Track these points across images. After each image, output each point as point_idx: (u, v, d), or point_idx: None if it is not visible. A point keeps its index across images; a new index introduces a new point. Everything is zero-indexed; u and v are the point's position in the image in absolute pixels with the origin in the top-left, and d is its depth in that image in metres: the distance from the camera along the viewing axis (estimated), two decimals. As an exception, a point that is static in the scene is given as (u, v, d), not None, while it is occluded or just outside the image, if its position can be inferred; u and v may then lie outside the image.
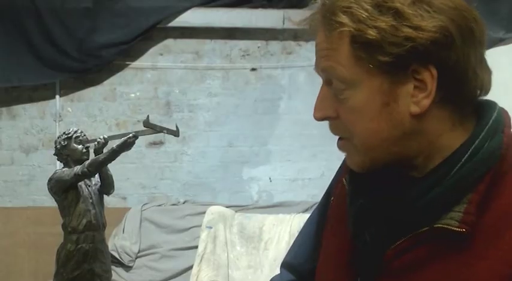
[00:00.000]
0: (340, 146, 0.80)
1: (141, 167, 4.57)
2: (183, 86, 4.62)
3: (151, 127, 3.27)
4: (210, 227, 4.10)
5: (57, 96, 4.49)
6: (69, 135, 3.24)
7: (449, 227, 0.70)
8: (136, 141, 3.13)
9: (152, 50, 4.58)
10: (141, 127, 3.34)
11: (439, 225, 0.71)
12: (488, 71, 0.75)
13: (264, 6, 4.33)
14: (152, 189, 4.59)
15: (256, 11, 4.29)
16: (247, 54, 4.62)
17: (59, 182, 3.13)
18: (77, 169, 3.10)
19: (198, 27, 4.52)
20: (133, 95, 4.58)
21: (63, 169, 3.21)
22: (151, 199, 4.57)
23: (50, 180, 3.19)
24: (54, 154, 3.34)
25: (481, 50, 0.73)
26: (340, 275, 0.84)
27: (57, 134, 3.84)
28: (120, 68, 4.54)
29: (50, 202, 3.64)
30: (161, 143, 4.57)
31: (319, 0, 0.75)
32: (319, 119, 0.78)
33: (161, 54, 4.60)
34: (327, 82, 0.76)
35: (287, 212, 4.25)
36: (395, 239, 0.75)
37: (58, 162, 3.54)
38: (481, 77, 0.73)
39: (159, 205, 4.44)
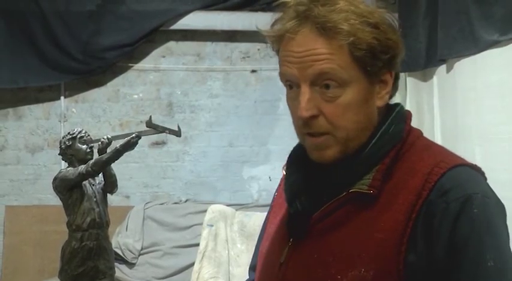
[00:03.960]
0: (321, 142, 0.90)
1: (144, 167, 4.60)
2: (184, 88, 4.65)
3: (153, 127, 3.27)
4: (211, 225, 4.11)
5: (62, 98, 4.52)
6: (74, 135, 3.26)
7: (360, 190, 0.88)
8: (139, 141, 3.15)
9: (155, 52, 4.61)
10: (144, 127, 3.36)
11: (353, 189, 0.88)
12: None
13: (264, 10, 4.36)
14: (155, 188, 4.62)
15: (256, 14, 4.30)
16: (248, 57, 4.65)
17: (63, 181, 3.15)
18: (81, 168, 3.12)
19: (199, 30, 4.55)
20: (136, 96, 4.62)
21: (68, 169, 3.22)
22: (153, 197, 4.59)
23: (54, 179, 3.20)
24: (59, 154, 3.35)
25: None
26: (277, 240, 1.00)
27: (62, 134, 3.83)
28: (124, 69, 4.57)
29: (55, 200, 3.67)
30: (163, 143, 4.60)
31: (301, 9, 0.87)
32: (307, 118, 0.88)
33: (163, 56, 4.63)
34: (312, 84, 0.87)
35: (286, 211, 4.27)
36: (320, 205, 0.91)
37: (63, 161, 3.56)
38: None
39: (162, 204, 4.46)
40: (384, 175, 0.87)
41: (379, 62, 0.86)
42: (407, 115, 0.95)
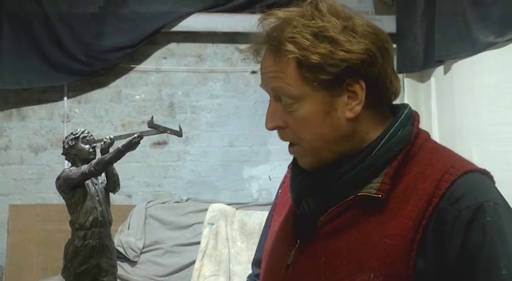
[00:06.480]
0: (291, 151, 0.95)
1: (146, 166, 4.63)
2: (186, 88, 4.68)
3: (155, 128, 3.28)
4: (212, 224, 4.13)
5: (65, 98, 4.55)
6: (77, 135, 3.27)
7: (369, 194, 0.87)
8: (141, 141, 3.16)
9: (156, 54, 4.64)
10: (145, 128, 3.37)
11: (362, 193, 0.88)
12: (398, 79, 0.93)
13: (263, 12, 4.40)
14: (156, 187, 4.65)
15: (256, 16, 4.28)
16: (248, 58, 4.53)
17: (66, 181, 3.16)
18: (84, 167, 3.13)
19: (200, 32, 4.58)
20: (138, 96, 4.65)
21: (71, 168, 3.24)
22: (155, 196, 4.62)
23: (58, 178, 3.21)
24: (62, 154, 3.36)
25: (392, 63, 0.91)
26: (283, 240, 0.99)
27: (65, 135, 3.87)
28: (126, 71, 4.60)
29: (58, 199, 3.70)
30: (165, 143, 4.63)
31: (264, 31, 0.90)
32: (270, 129, 0.92)
33: (165, 58, 4.66)
34: (275, 98, 0.91)
35: (286, 210, 4.29)
36: (327, 208, 0.91)
37: (66, 161, 3.57)
38: (395, 85, 0.91)
39: (163, 203, 4.48)
40: (392, 179, 0.87)
41: (327, 76, 0.84)
42: (414, 117, 0.93)
